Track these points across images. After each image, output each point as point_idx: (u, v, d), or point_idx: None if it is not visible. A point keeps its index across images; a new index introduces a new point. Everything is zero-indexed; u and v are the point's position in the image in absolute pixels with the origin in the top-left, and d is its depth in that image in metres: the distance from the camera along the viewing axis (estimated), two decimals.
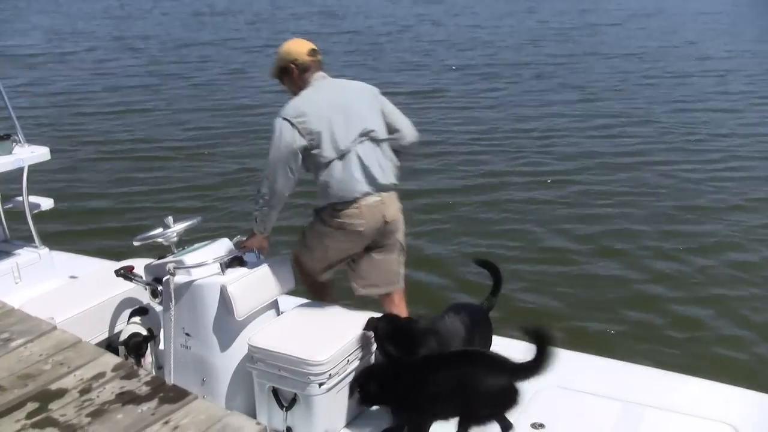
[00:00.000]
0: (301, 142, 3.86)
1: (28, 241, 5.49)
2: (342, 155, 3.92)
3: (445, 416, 3.48)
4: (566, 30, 23.57)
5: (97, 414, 3.18)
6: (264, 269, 4.08)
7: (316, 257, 4.24)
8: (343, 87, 4.19)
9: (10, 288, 5.05)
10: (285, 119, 3.89)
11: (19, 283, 5.16)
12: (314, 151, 3.91)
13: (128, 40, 23.47)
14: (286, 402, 3.76)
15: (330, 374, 3.66)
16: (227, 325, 3.91)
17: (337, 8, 30.28)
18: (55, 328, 4.01)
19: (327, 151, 3.91)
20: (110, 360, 3.65)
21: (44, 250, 5.41)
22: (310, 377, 3.62)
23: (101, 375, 3.49)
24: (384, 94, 4.27)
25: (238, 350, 3.94)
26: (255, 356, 3.79)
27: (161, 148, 11.80)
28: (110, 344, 4.61)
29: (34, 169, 5.30)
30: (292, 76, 4.09)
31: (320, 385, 3.64)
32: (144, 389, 3.36)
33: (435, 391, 3.40)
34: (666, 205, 9.02)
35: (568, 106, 14.12)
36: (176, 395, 3.30)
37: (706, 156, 11.06)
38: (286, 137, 3.86)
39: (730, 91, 15.32)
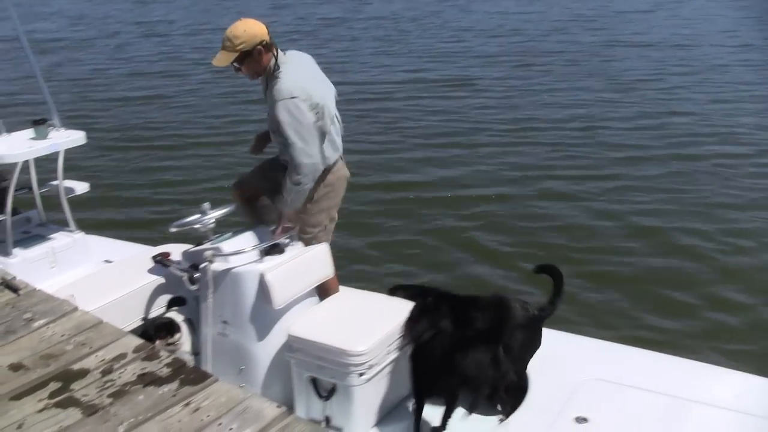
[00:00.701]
0: (312, 117, 4.03)
1: (63, 225, 5.59)
2: (332, 123, 4.20)
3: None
4: (593, 17, 23.17)
5: (119, 395, 3.25)
6: (302, 257, 4.13)
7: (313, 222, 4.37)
8: (304, 59, 4.37)
9: (46, 272, 5.16)
10: (294, 98, 3.98)
11: (54, 267, 5.27)
12: (319, 123, 4.08)
13: (150, 25, 23.65)
14: (324, 392, 3.82)
15: (370, 364, 3.71)
16: (265, 313, 3.97)
17: None
18: (76, 308, 4.10)
19: (327, 122, 4.13)
20: (131, 341, 3.73)
21: (79, 235, 5.51)
22: (350, 367, 3.67)
23: (122, 356, 3.57)
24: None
25: (276, 339, 4.00)
26: (294, 346, 3.85)
27: (191, 134, 11.98)
28: (145, 331, 4.69)
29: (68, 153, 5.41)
30: (257, 58, 4.08)
31: (360, 375, 3.69)
32: (165, 371, 3.42)
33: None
34: (716, 200, 8.85)
35: (604, 95, 13.92)
36: (197, 377, 3.36)
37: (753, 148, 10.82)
38: (306, 114, 4.00)
39: None
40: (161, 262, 4.47)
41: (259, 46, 4.05)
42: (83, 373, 3.43)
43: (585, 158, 10.51)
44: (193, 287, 4.23)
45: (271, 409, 3.08)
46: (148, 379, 3.36)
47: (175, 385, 3.30)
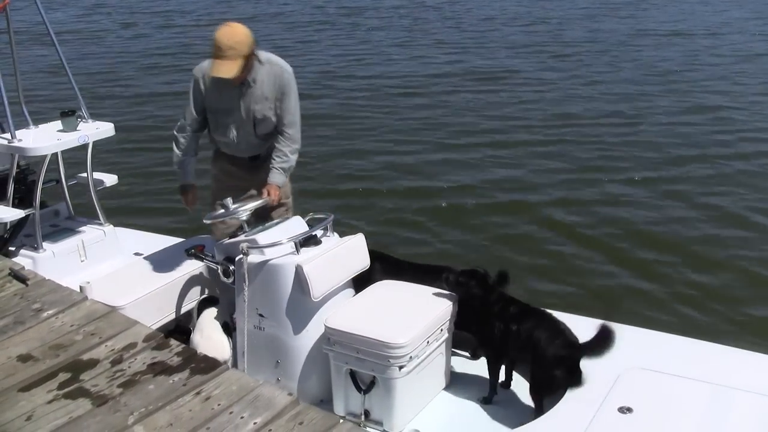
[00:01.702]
0: None
1: (91, 218, 5.70)
2: None
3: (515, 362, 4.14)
4: (619, 5, 23.06)
5: (129, 384, 3.37)
6: (340, 248, 4.22)
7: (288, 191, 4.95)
8: None
9: (76, 266, 5.29)
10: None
11: (84, 260, 5.39)
12: None
13: (164, 15, 23.81)
14: (364, 385, 3.91)
15: (410, 356, 3.80)
16: (302, 305, 4.06)
17: None
18: (86, 298, 4.22)
19: None
20: (141, 330, 3.85)
21: (109, 227, 5.62)
22: (391, 360, 3.76)
23: (132, 345, 3.70)
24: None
25: (313, 331, 4.09)
26: (332, 338, 3.93)
27: None
28: (178, 324, 4.81)
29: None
30: (252, 58, 4.36)
31: (401, 368, 3.78)
32: (175, 360, 3.56)
33: (514, 339, 3.89)
34: None
35: (644, 87, 13.76)
36: (208, 366, 3.48)
37: None
38: None
39: None
40: (195, 255, 4.56)
41: (253, 47, 4.31)
42: (93, 363, 3.57)
43: (634, 157, 10.23)
44: (228, 280, 4.32)
45: (282, 397, 3.21)
46: (158, 369, 3.48)
47: (185, 374, 3.43)
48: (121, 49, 18.76)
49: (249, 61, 4.30)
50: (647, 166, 9.91)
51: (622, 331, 4.29)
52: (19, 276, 4.56)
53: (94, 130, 5.39)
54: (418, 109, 12.77)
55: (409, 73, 15.08)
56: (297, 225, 4.36)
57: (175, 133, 4.64)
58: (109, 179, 5.74)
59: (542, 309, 4.01)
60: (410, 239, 7.85)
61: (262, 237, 4.16)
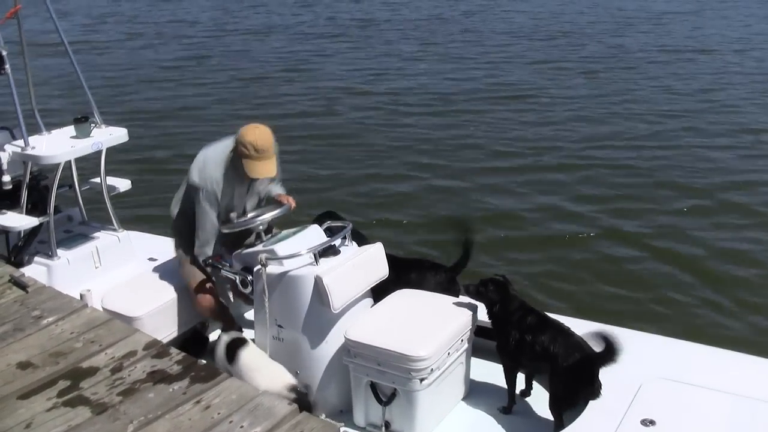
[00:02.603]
0: None
1: (105, 223, 5.80)
2: None
3: (532, 373, 4.29)
4: (637, 20, 22.89)
5: (129, 392, 3.45)
6: (359, 258, 4.32)
7: None
8: None
9: (91, 273, 5.38)
10: None
11: (98, 267, 5.47)
12: None
13: (171, 26, 24.04)
14: (384, 397, 4.01)
15: (432, 369, 3.90)
16: (322, 316, 4.17)
17: None
18: (86, 305, 4.31)
19: None
20: (141, 338, 3.94)
21: (123, 233, 5.71)
22: (412, 373, 3.86)
23: (132, 353, 3.78)
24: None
25: (333, 342, 4.20)
26: (352, 350, 4.04)
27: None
28: (196, 332, 4.90)
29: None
30: None
31: (422, 380, 3.88)
32: (175, 368, 3.64)
33: (530, 349, 4.01)
34: None
35: (682, 105, 13.59)
36: (208, 374, 3.56)
37: None
38: None
39: None
40: (212, 264, 4.63)
41: None
42: (93, 371, 3.65)
43: (678, 185, 9.99)
44: (246, 290, 4.42)
45: (282, 406, 3.29)
46: (158, 377, 3.56)
47: (185, 382, 3.51)
48: (128, 59, 18.98)
49: None
50: (699, 194, 9.72)
51: (642, 340, 4.44)
52: (19, 283, 4.66)
53: (108, 136, 5.47)
54: (439, 128, 12.65)
55: (427, 90, 15.05)
56: (315, 235, 4.46)
57: (202, 250, 4.67)
58: (123, 184, 5.82)
59: (558, 321, 4.11)
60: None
61: (281, 248, 4.25)
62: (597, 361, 3.79)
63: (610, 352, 3.72)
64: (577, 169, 10.55)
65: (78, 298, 4.61)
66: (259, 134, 4.43)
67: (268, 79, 16.46)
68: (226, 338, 4.34)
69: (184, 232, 4.75)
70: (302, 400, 3.75)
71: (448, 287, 4.69)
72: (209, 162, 4.54)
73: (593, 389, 3.84)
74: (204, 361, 3.97)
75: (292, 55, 18.99)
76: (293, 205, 4.72)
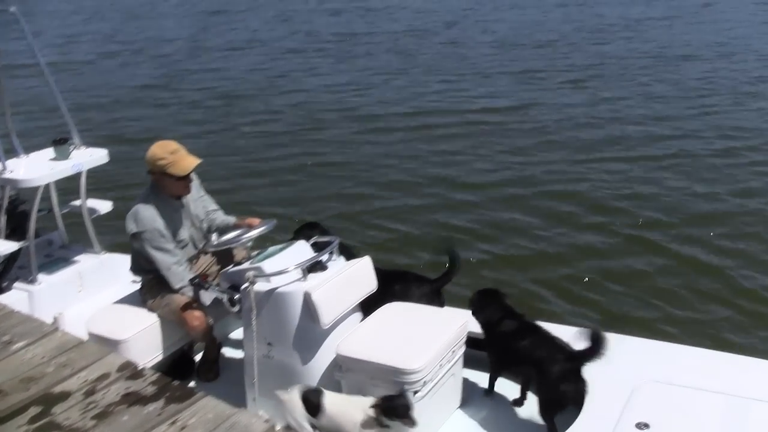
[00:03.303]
0: None
1: (87, 246, 5.83)
2: None
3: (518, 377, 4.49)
4: (617, 27, 22.86)
5: (103, 416, 3.46)
6: (347, 272, 4.39)
7: None
8: None
9: (73, 297, 5.42)
10: None
11: (81, 291, 5.52)
12: None
13: (151, 43, 24.04)
14: None
15: (424, 381, 3.97)
16: (312, 332, 4.22)
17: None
18: (57, 329, 4.32)
19: None
20: (115, 360, 3.95)
21: (105, 255, 5.77)
22: (405, 386, 3.92)
23: (106, 376, 3.79)
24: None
25: (323, 358, 4.25)
26: (344, 366, 4.11)
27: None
28: (183, 354, 4.93)
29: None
30: None
31: (415, 393, 3.94)
32: (150, 389, 3.65)
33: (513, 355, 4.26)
34: None
35: (682, 123, 13.23)
36: (183, 394, 3.59)
37: None
38: None
39: None
40: (199, 284, 4.68)
41: None
42: (65, 396, 3.64)
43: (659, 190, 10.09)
44: (234, 309, 4.45)
45: (259, 424, 3.34)
46: (132, 399, 3.58)
47: (160, 403, 3.52)
48: (104, 80, 18.96)
49: None
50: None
51: (632, 344, 4.56)
52: None
53: (88, 158, 5.54)
54: (431, 141, 12.64)
55: (411, 104, 14.99)
56: (302, 250, 4.52)
57: (171, 268, 4.78)
58: (104, 206, 5.87)
59: (537, 324, 4.29)
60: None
61: (269, 264, 4.30)
62: (580, 359, 3.91)
63: (592, 349, 3.84)
64: (567, 182, 10.64)
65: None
66: (160, 143, 4.79)
67: (246, 96, 16.46)
68: (297, 393, 4.05)
69: (154, 284, 4.89)
70: (405, 404, 3.79)
71: (433, 299, 4.80)
72: (139, 208, 4.75)
73: (579, 389, 3.95)
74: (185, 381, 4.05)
75: (272, 71, 18.96)
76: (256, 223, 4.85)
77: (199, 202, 5.07)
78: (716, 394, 3.93)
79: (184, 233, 4.92)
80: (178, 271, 4.76)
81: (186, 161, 4.73)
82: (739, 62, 17.46)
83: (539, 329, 4.24)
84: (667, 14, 24.39)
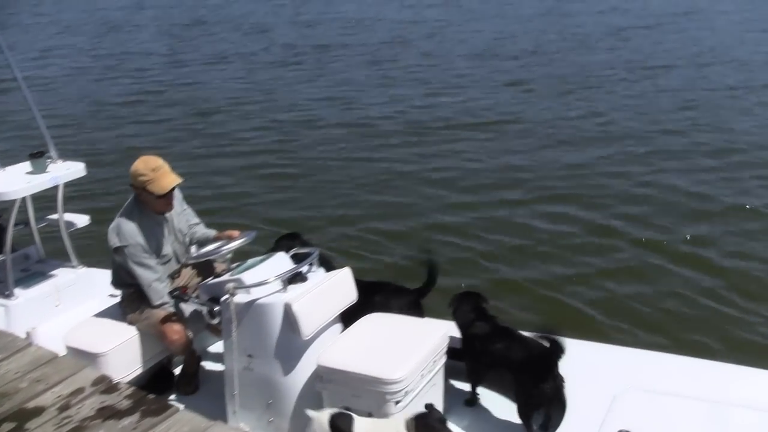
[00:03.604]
0: None
1: (64, 260, 5.84)
2: None
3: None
4: (592, 38, 23.01)
5: (77, 431, 3.49)
6: (327, 283, 4.43)
7: None
8: None
9: (51, 312, 5.42)
10: None
11: (59, 305, 5.51)
12: None
13: (126, 56, 23.97)
14: None
15: (406, 391, 4.00)
16: (292, 344, 4.25)
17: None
18: (30, 344, 4.33)
19: None
20: (89, 374, 3.98)
21: (82, 270, 5.76)
22: (387, 396, 3.95)
23: (80, 390, 3.82)
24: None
25: (304, 369, 4.28)
26: (325, 376, 4.13)
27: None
28: (162, 368, 4.93)
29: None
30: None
31: (397, 403, 3.97)
32: (125, 403, 3.69)
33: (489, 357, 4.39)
34: None
35: (655, 125, 13.54)
36: (158, 408, 3.64)
37: None
38: None
39: None
40: (178, 296, 4.70)
41: None
42: (39, 411, 3.67)
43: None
44: (214, 321, 4.48)
45: None
46: (107, 413, 3.61)
47: (136, 417, 3.57)
48: (79, 94, 18.92)
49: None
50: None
51: (610, 352, 4.69)
52: None
53: (65, 171, 5.55)
54: (413, 155, 12.68)
55: (391, 119, 14.97)
56: (282, 262, 4.55)
57: (152, 285, 4.81)
58: (81, 220, 5.88)
59: (512, 328, 4.42)
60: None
61: (249, 276, 4.32)
62: (552, 355, 4.01)
63: (558, 346, 3.96)
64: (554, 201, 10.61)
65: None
66: (144, 158, 4.81)
67: (221, 112, 16.36)
68: (325, 416, 3.81)
69: (134, 298, 4.90)
70: (439, 417, 3.75)
71: (413, 310, 4.86)
72: (122, 222, 4.77)
73: (554, 386, 4.05)
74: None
75: (249, 85, 18.97)
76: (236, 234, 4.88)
77: (182, 216, 5.10)
78: (697, 401, 4.01)
79: (167, 248, 4.95)
80: (158, 288, 4.78)
81: (166, 180, 4.74)
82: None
83: (513, 332, 4.37)
84: (648, 23, 24.79)
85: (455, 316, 4.61)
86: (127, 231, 4.71)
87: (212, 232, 5.13)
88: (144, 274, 4.74)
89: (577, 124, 14.05)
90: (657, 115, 14.45)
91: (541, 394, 4.06)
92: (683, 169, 11.45)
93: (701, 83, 16.76)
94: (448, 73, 19.11)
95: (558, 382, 4.05)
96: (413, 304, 4.92)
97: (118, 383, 3.88)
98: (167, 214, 4.96)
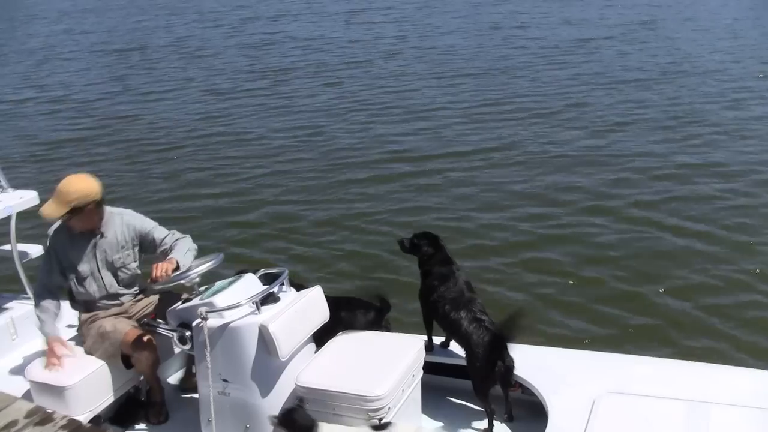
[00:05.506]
0: None
1: (18, 292, 5.91)
2: None
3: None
4: (561, 49, 23.20)
5: None
6: (300, 303, 4.57)
7: None
8: None
9: (8, 345, 5.47)
10: None
11: (15, 339, 5.56)
12: None
13: (77, 88, 23.74)
14: None
15: (389, 407, 4.15)
16: (269, 365, 4.38)
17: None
18: None
19: None
20: (22, 406, 4.01)
21: None
22: (370, 413, 4.11)
23: (13, 423, 3.87)
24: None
25: (281, 391, 4.41)
26: (305, 397, 4.27)
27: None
28: (130, 397, 5.00)
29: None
30: (88, 214, 4.94)
31: (380, 420, 4.12)
32: None
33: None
34: None
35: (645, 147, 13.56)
36: None
37: None
38: None
39: None
40: (147, 323, 4.79)
41: (90, 205, 4.87)
42: None
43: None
44: (185, 347, 4.57)
45: None
46: None
47: None
48: (28, 123, 18.90)
49: (79, 213, 4.88)
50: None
51: (587, 358, 4.98)
52: None
53: (18, 200, 5.63)
54: (378, 181, 12.72)
55: (359, 148, 14.70)
56: (252, 283, 4.66)
57: (36, 300, 5.01)
58: (35, 250, 5.93)
59: (474, 297, 4.79)
60: None
61: (220, 299, 4.43)
62: (503, 334, 4.45)
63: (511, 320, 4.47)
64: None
65: None
66: (66, 179, 4.91)
67: (176, 149, 15.76)
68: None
69: (87, 322, 5.05)
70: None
71: (379, 325, 5.08)
72: (56, 225, 5.04)
73: (507, 364, 4.45)
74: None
75: (208, 116, 18.34)
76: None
77: (122, 251, 5.13)
78: (677, 401, 4.25)
79: (84, 266, 5.03)
80: (40, 292, 5.00)
81: (46, 206, 4.88)
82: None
83: (474, 300, 4.76)
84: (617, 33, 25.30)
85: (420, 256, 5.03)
86: (53, 232, 5.02)
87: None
88: (40, 277, 5.02)
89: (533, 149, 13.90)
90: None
91: (493, 366, 4.45)
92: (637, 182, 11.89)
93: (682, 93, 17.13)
94: (415, 98, 18.56)
95: (509, 361, 4.46)
96: (380, 319, 5.13)
97: (52, 414, 3.90)
98: (100, 238, 5.04)
